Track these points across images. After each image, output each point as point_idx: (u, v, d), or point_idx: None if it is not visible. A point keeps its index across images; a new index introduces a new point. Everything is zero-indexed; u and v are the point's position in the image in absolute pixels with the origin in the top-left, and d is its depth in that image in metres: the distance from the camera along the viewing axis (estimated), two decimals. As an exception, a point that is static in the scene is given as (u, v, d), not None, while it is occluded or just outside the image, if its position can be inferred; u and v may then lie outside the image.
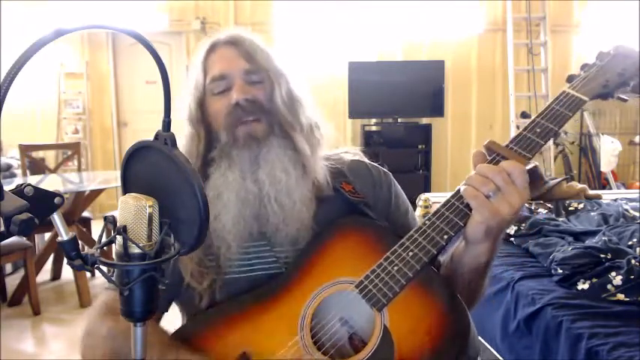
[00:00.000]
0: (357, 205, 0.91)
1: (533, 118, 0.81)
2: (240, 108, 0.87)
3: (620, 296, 1.67)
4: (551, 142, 5.18)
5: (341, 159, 1.00)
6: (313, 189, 0.90)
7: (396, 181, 1.03)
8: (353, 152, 1.04)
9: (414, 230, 0.77)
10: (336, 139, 0.99)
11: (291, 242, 0.87)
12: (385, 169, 1.03)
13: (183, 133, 0.93)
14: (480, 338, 1.99)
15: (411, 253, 0.74)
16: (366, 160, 1.03)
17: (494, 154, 0.77)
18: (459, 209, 0.75)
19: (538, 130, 0.79)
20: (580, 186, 2.98)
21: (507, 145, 0.78)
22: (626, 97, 0.85)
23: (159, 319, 0.92)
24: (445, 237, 0.74)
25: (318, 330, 0.77)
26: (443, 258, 0.89)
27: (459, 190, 0.76)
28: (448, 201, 0.77)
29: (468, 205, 0.74)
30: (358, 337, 0.76)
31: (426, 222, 0.77)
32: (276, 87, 0.90)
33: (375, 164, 1.03)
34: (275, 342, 0.75)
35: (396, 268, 0.74)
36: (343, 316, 0.77)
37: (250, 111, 0.88)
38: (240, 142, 0.87)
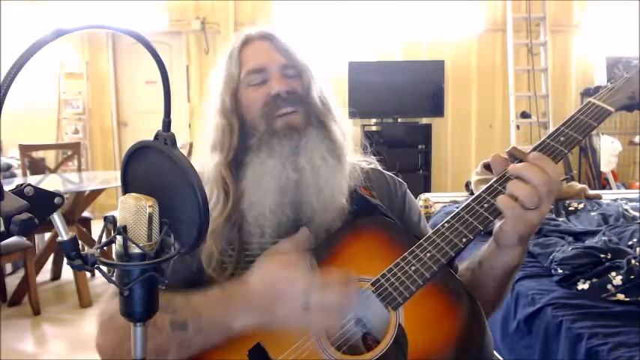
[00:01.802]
0: (375, 205, 0.93)
1: (557, 126, 0.81)
2: (279, 98, 0.89)
3: (620, 296, 1.67)
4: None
5: (360, 166, 1.02)
6: (347, 180, 0.92)
7: (409, 192, 1.05)
8: (369, 161, 1.06)
9: (432, 232, 0.78)
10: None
11: (325, 230, 0.88)
12: (400, 179, 1.05)
13: (210, 124, 0.94)
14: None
15: (428, 254, 0.75)
16: (382, 169, 1.05)
17: (516, 160, 0.77)
18: (479, 213, 0.75)
19: (562, 138, 0.79)
20: (580, 186, 2.98)
21: (530, 152, 0.78)
22: None
23: None
24: (464, 240, 0.75)
25: None
26: (466, 263, 0.89)
27: (480, 194, 0.76)
28: (469, 204, 0.77)
29: (488, 210, 0.74)
30: (372, 336, 0.76)
31: (445, 224, 0.77)
32: (312, 81, 0.93)
33: (391, 174, 1.05)
34: (289, 335, 0.76)
35: (413, 268, 0.75)
36: (358, 314, 0.77)
37: (289, 102, 0.89)
38: (281, 133, 0.88)
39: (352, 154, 1.00)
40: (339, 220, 0.88)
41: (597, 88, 0.88)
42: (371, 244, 0.86)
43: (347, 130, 0.97)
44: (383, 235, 0.87)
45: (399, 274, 0.75)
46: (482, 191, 0.76)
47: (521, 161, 0.76)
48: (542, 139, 0.79)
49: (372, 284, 0.76)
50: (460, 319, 0.73)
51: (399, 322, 0.73)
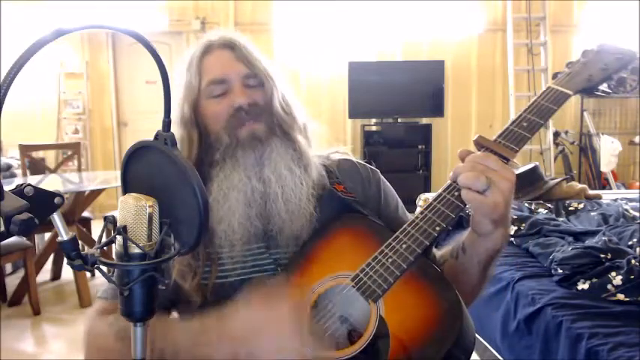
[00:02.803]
0: (350, 203, 0.93)
1: (519, 113, 0.84)
2: (243, 111, 0.89)
3: (620, 296, 1.67)
4: (551, 142, 5.18)
5: (330, 158, 1.02)
6: (314, 187, 0.92)
7: (384, 178, 1.04)
8: (342, 152, 1.05)
9: (407, 224, 0.79)
10: (335, 138, 1.01)
11: (295, 239, 0.89)
12: (373, 167, 1.05)
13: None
14: (479, 338, 1.99)
15: (404, 246, 0.77)
16: (354, 158, 1.05)
17: (483, 148, 0.80)
18: (449, 201, 0.78)
19: (525, 124, 0.82)
20: (580, 186, 2.98)
21: (495, 140, 0.81)
22: (608, 91, 0.89)
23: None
24: (437, 228, 0.76)
25: (317, 319, 0.78)
26: (449, 249, 0.90)
27: (450, 184, 0.78)
28: (439, 194, 0.80)
29: (458, 198, 0.77)
30: (357, 332, 0.77)
31: (419, 215, 0.79)
32: (274, 90, 0.92)
33: (363, 162, 1.05)
34: None
35: (390, 260, 0.76)
36: (342, 313, 0.78)
37: (252, 115, 0.89)
38: (245, 143, 0.88)
39: (324, 146, 1.01)
40: (307, 228, 0.89)
41: (556, 74, 0.90)
42: (349, 242, 0.87)
43: (312, 132, 0.97)
44: (361, 231, 0.88)
45: (377, 267, 0.76)
46: (452, 181, 0.79)
47: (487, 148, 0.79)
48: (506, 125, 0.82)
49: (352, 279, 0.77)
50: (439, 306, 0.75)
51: (380, 314, 0.74)
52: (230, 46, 0.92)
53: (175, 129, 0.90)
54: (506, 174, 0.74)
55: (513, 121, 0.82)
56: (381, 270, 0.76)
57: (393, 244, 0.78)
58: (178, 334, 0.77)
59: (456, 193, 0.77)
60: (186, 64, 0.94)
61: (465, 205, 0.76)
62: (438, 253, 0.93)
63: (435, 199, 0.79)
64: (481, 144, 0.81)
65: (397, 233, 0.79)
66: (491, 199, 0.73)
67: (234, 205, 0.87)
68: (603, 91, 0.89)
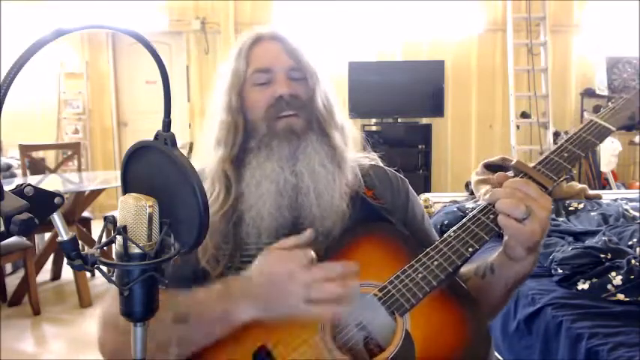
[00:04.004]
0: (378, 210, 0.93)
1: (561, 142, 0.85)
2: (283, 101, 0.89)
3: (620, 296, 1.67)
4: (551, 142, 5.18)
5: (360, 163, 1.02)
6: (347, 184, 0.92)
7: (411, 188, 1.04)
8: (371, 157, 1.06)
9: (439, 241, 0.79)
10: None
11: (325, 235, 0.88)
12: (402, 176, 1.05)
13: (216, 119, 0.94)
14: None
15: (435, 263, 0.76)
16: (384, 165, 1.05)
17: (521, 173, 0.80)
18: (484, 224, 0.77)
19: (565, 154, 0.82)
20: (580, 186, 2.98)
21: (534, 167, 0.81)
22: None
23: None
24: (470, 250, 0.76)
25: (337, 330, 0.78)
26: (473, 267, 0.89)
27: (486, 206, 0.78)
28: (474, 215, 0.79)
29: (493, 221, 0.77)
30: (374, 341, 0.77)
31: (451, 234, 0.79)
32: (318, 86, 0.93)
33: (393, 170, 1.06)
34: (295, 338, 0.76)
35: (420, 275, 0.76)
36: (361, 319, 0.78)
37: (292, 106, 0.90)
38: (281, 135, 0.89)
39: (353, 151, 1.00)
40: (340, 226, 0.88)
41: (599, 107, 0.92)
42: (376, 251, 0.86)
43: (350, 134, 0.97)
44: (389, 241, 0.87)
45: (407, 281, 0.76)
46: (488, 202, 0.78)
47: (525, 174, 0.79)
48: (546, 154, 0.83)
49: (380, 290, 0.76)
50: (466, 327, 0.75)
51: (406, 329, 0.73)
52: (280, 39, 0.94)
53: (222, 115, 0.93)
54: (545, 203, 0.74)
55: (554, 150, 0.83)
56: (410, 284, 0.75)
57: (424, 259, 0.77)
58: (202, 297, 0.77)
59: (492, 217, 0.77)
60: (235, 52, 0.95)
61: (500, 229, 0.75)
62: (465, 268, 0.92)
63: (469, 220, 0.79)
64: (520, 169, 0.81)
65: (428, 249, 0.78)
66: (529, 227, 0.73)
67: (265, 195, 0.87)
68: None
